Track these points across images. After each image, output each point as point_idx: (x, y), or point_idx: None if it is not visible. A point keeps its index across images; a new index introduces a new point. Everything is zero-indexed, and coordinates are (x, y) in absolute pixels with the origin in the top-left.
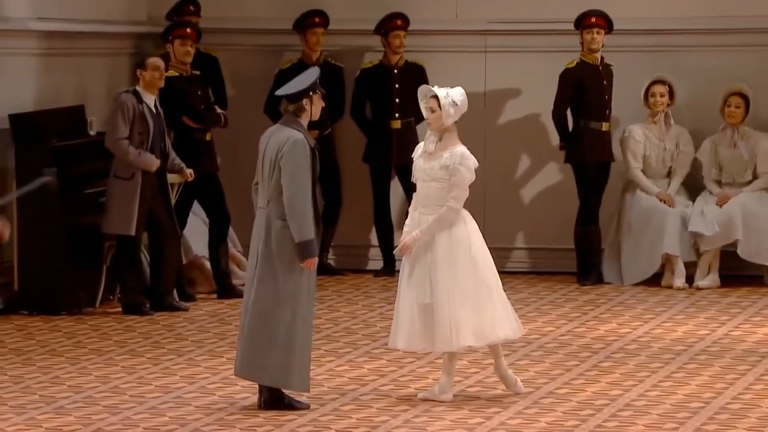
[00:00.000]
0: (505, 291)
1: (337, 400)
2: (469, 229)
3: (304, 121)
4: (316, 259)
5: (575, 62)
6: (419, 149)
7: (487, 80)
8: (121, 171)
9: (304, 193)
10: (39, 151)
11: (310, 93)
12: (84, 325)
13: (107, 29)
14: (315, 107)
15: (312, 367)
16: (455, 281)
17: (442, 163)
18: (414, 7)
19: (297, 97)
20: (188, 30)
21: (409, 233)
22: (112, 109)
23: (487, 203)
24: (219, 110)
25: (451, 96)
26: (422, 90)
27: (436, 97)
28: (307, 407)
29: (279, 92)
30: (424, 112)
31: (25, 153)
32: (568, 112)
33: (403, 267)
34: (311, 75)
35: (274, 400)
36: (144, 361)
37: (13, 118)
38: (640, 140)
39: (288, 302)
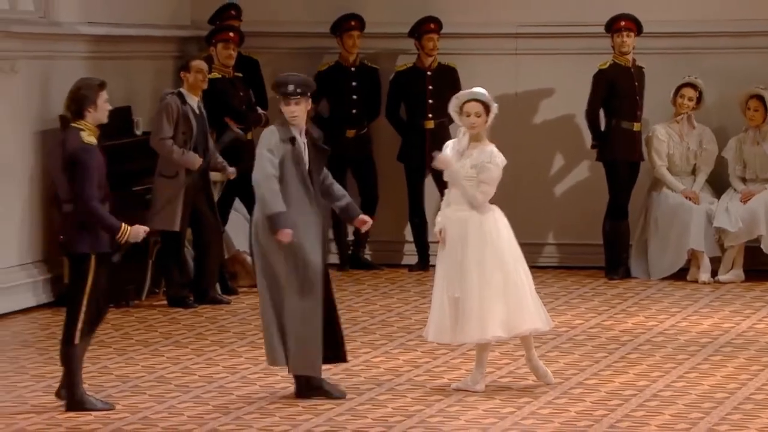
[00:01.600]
0: (535, 285)
1: (374, 390)
2: (500, 225)
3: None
4: (285, 231)
5: (608, 64)
6: (447, 148)
7: (519, 82)
8: (166, 169)
9: (263, 170)
10: None
11: (282, 97)
12: (131, 318)
13: (153, 33)
14: (284, 110)
15: (348, 358)
16: (485, 274)
17: (472, 162)
18: (447, 10)
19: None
20: (231, 34)
21: (440, 229)
22: (157, 110)
23: (519, 200)
24: (260, 111)
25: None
26: (462, 96)
27: (481, 101)
28: (342, 396)
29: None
30: (469, 118)
31: None
32: (601, 112)
33: (439, 261)
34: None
35: (303, 388)
36: (188, 352)
37: (63, 118)
38: (663, 139)
39: (271, 288)
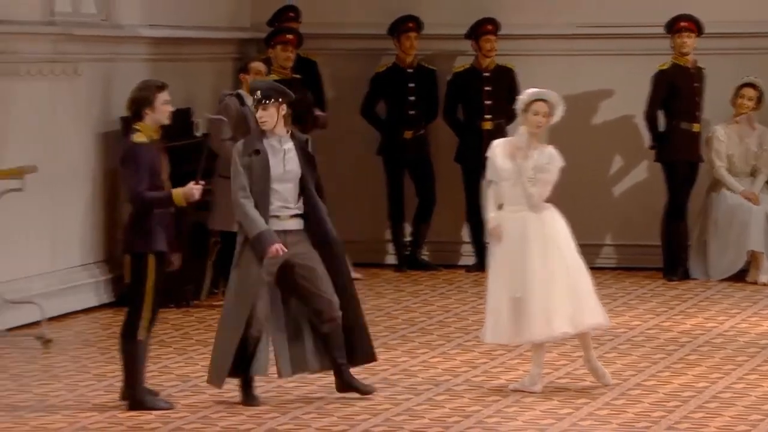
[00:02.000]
0: (594, 286)
1: (431, 390)
2: (557, 222)
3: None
4: (271, 248)
5: (668, 64)
6: (496, 148)
7: (577, 83)
8: (226, 170)
9: (234, 194)
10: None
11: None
12: (191, 318)
13: (212, 35)
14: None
15: (406, 359)
16: (548, 272)
17: (534, 163)
18: (505, 12)
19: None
20: (289, 36)
21: (496, 225)
22: (216, 112)
23: (577, 201)
24: (318, 112)
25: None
26: (532, 94)
27: (549, 102)
28: (370, 391)
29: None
30: (536, 117)
31: None
32: (661, 113)
33: (492, 261)
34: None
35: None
36: None
37: (124, 120)
38: (723, 140)
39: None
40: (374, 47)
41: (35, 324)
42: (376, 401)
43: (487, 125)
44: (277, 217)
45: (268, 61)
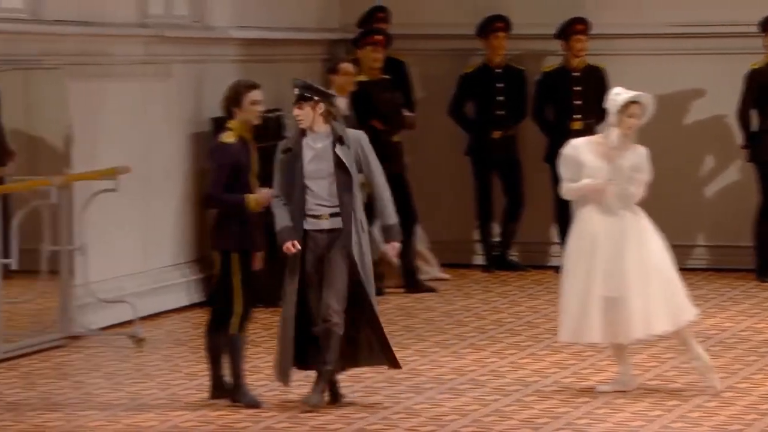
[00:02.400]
0: (685, 287)
1: (520, 392)
2: (647, 223)
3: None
4: (283, 245)
5: (761, 63)
6: (582, 148)
7: (667, 82)
8: None
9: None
10: None
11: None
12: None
13: (302, 36)
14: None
15: (494, 360)
16: (645, 272)
17: (629, 163)
18: (595, 11)
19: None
20: (378, 37)
21: (598, 182)
22: None
23: (669, 201)
24: (407, 112)
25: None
26: (629, 96)
27: (641, 104)
28: (316, 405)
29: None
30: (631, 119)
31: None
32: (753, 112)
33: (579, 260)
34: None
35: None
36: None
37: (215, 121)
38: None
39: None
40: (463, 47)
41: (128, 323)
42: (464, 402)
43: (577, 125)
44: (314, 216)
45: (356, 62)
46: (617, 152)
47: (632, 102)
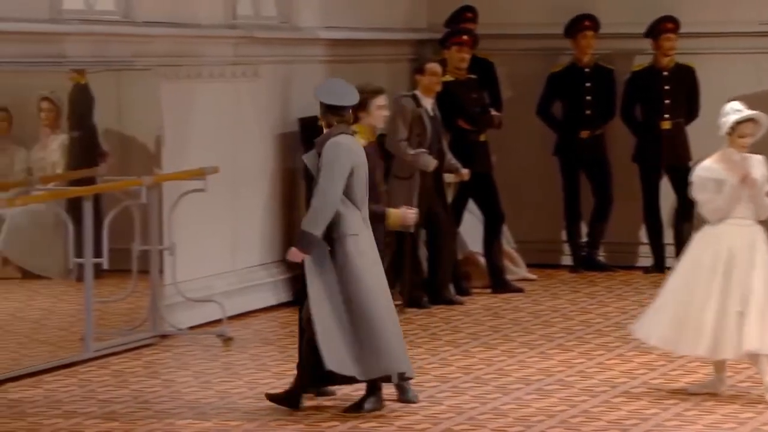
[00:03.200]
0: None
1: (608, 393)
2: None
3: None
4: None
5: None
6: (714, 166)
7: (760, 82)
8: (401, 171)
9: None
10: None
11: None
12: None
13: (389, 36)
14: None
15: (582, 360)
16: (765, 288)
17: (761, 173)
18: (685, 9)
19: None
20: (464, 37)
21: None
22: (392, 113)
23: None
24: (494, 112)
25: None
26: (741, 116)
27: (755, 120)
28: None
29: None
30: (744, 139)
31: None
32: None
33: (692, 266)
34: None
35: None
36: (422, 352)
37: (302, 121)
38: None
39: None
40: (551, 47)
41: (216, 322)
42: (552, 402)
43: (666, 125)
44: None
45: (443, 62)
46: (744, 166)
47: (744, 121)
